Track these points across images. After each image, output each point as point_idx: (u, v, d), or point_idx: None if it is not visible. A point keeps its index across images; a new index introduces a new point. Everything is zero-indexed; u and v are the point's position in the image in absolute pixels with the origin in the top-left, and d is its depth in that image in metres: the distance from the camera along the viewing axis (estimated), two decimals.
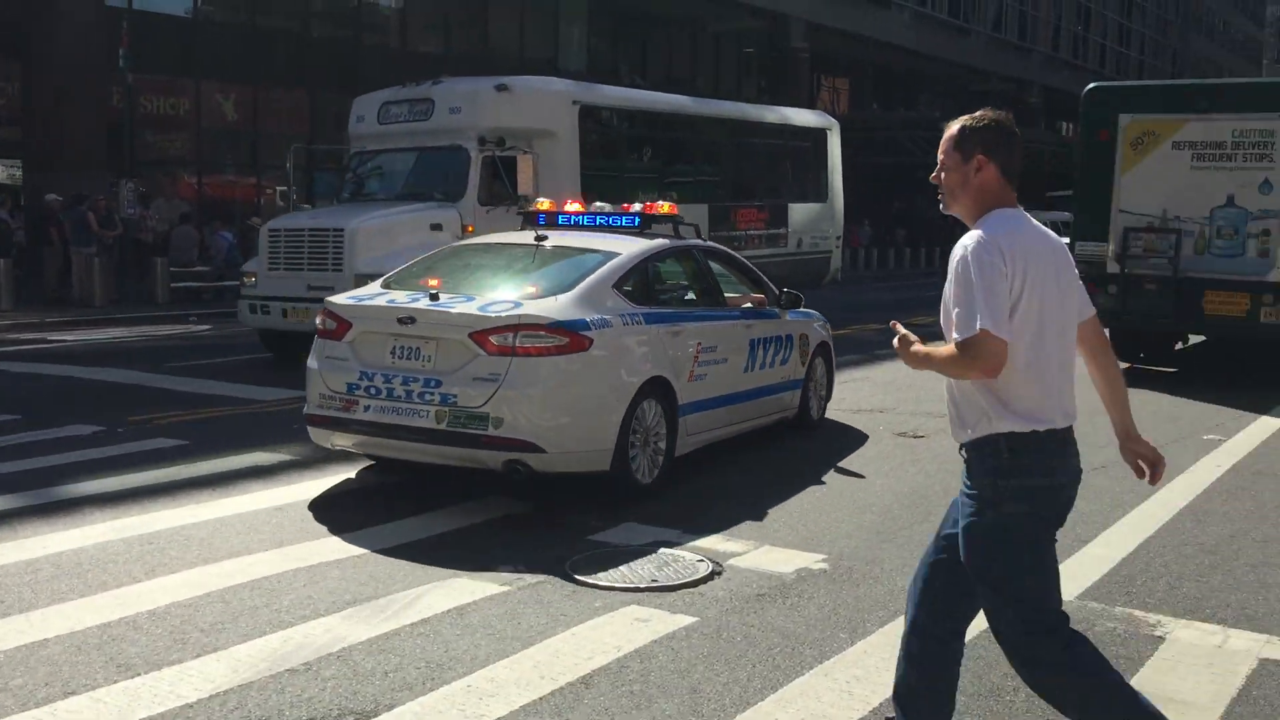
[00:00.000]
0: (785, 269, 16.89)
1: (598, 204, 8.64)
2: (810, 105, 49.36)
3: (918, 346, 3.27)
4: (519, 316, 6.36)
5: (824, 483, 7.44)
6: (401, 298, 6.79)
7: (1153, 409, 10.35)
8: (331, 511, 6.59)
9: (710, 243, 9.17)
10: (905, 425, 9.51)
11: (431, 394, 6.35)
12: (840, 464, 8.00)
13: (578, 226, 8.12)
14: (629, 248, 7.43)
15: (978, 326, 3.00)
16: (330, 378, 6.71)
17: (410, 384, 6.42)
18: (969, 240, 3.13)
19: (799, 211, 17.99)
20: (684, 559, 5.73)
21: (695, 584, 5.37)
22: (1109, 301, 12.14)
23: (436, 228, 12.20)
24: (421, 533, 6.17)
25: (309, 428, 6.98)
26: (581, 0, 38.14)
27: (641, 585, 5.31)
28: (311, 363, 6.91)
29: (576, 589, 5.25)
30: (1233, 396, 11.20)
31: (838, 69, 50.31)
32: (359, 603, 5.05)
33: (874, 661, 4.43)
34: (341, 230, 11.87)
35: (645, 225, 8.10)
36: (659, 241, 7.90)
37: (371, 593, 5.19)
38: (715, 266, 8.49)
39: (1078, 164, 13.22)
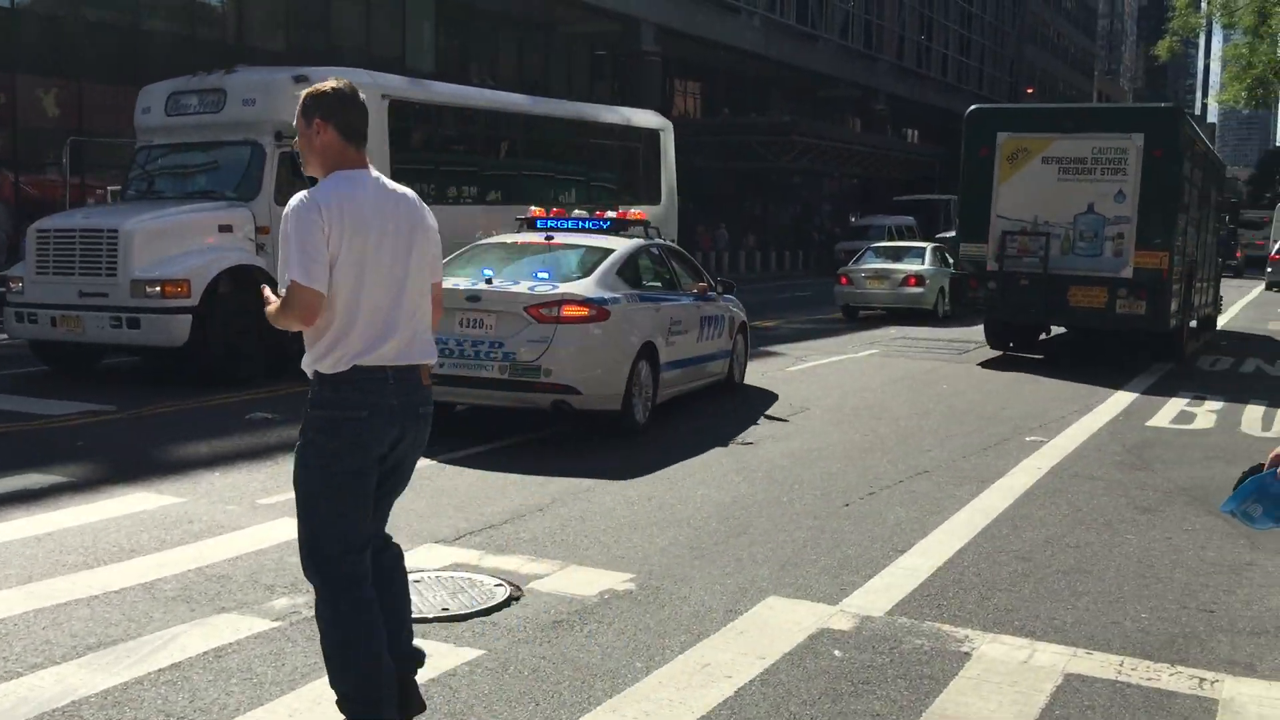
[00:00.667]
0: None
1: (578, 210, 10.99)
2: (663, 109, 49.68)
3: (270, 306, 3.48)
4: (561, 294, 8.53)
5: (643, 494, 7.14)
6: (464, 283, 8.58)
7: (1019, 390, 10.44)
8: (100, 539, 5.95)
9: (668, 242, 11.46)
10: (736, 431, 9.31)
11: (495, 352, 8.41)
12: (662, 472, 7.72)
13: (561, 229, 10.19)
14: (620, 244, 9.63)
15: (289, 279, 3.33)
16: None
17: (478, 346, 8.44)
18: (294, 200, 3.42)
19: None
20: (482, 584, 5.33)
21: (489, 612, 4.97)
22: (988, 295, 14.19)
23: (226, 229, 11.34)
24: (193, 563, 5.61)
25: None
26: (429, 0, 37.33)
27: (430, 615, 4.89)
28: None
29: None
30: (1091, 376, 11.95)
31: (690, 73, 50.62)
32: (104, 647, 4.49)
33: (668, 694, 4.12)
34: (116, 231, 10.89)
35: (616, 228, 10.33)
36: (637, 241, 10.11)
37: (121, 634, 4.63)
38: (673, 261, 10.62)
39: (962, 175, 14.82)
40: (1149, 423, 10.30)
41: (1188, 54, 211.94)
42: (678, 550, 5.95)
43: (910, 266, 21.49)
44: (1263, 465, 3.35)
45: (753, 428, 9.47)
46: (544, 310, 8.44)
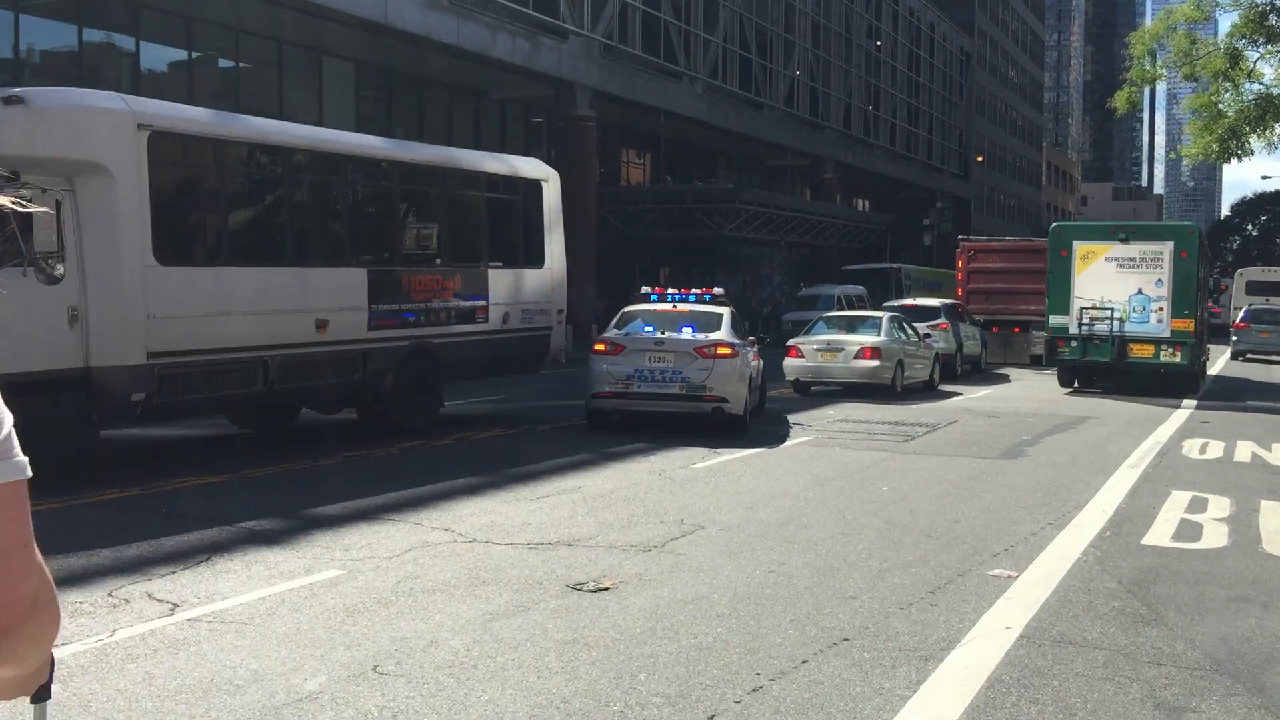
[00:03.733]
0: (484, 351, 13.73)
1: (686, 290, 15.35)
2: (606, 177, 47.72)
3: None
4: (715, 340, 13.20)
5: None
6: (647, 334, 13.44)
7: (977, 491, 8.01)
8: None
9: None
10: (593, 568, 6.77)
11: (674, 378, 12.94)
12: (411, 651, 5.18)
13: (681, 301, 14.66)
14: (725, 309, 14.34)
15: None
16: (615, 373, 12.97)
17: (664, 374, 12.95)
18: None
19: (503, 280, 14.16)
20: None
21: None
22: (1070, 351, 20.58)
23: None
24: None
25: (598, 401, 13.23)
26: (348, 63, 35.25)
27: None
28: (600, 365, 13.15)
29: None
30: (1067, 468, 9.26)
31: (632, 141, 48.87)
32: None
33: None
34: None
35: (715, 300, 14.63)
36: (729, 308, 14.54)
37: None
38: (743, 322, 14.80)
39: (1050, 270, 20.84)
40: (1145, 540, 7.92)
41: (1134, 126, 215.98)
42: None
43: (866, 338, 19.23)
44: None
45: (622, 558, 6.96)
46: (706, 350, 13.09)
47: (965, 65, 78.29)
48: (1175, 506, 9.23)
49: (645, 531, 7.70)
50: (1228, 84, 23.14)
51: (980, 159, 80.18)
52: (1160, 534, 8.15)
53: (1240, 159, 24.32)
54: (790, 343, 19.95)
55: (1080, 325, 20.11)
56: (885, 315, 20.55)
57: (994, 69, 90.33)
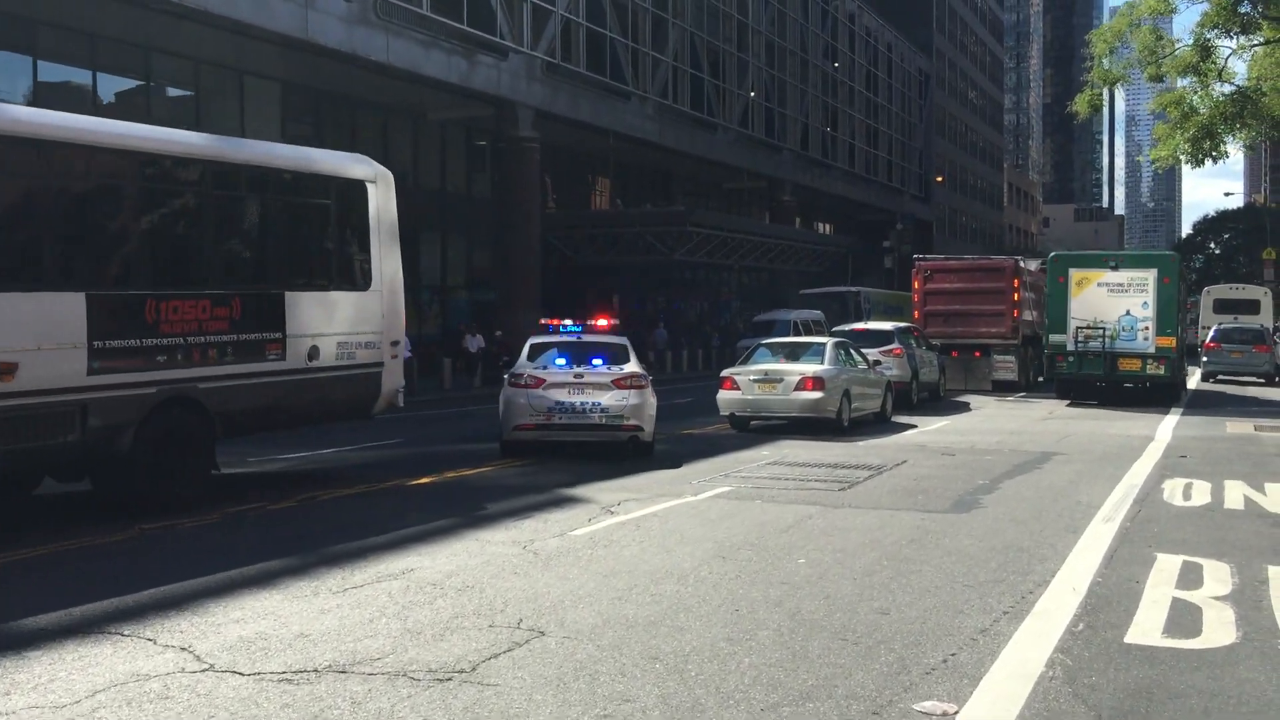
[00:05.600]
0: (280, 396, 10.80)
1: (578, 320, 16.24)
2: (544, 201, 45.77)
3: None
4: (630, 373, 13.90)
5: None
6: (562, 365, 13.96)
7: (917, 562, 6.05)
8: None
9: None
10: (352, 718, 4.75)
11: (594, 409, 13.55)
12: None
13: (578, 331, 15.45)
14: (624, 340, 15.22)
15: None
16: (536, 406, 13.48)
17: (584, 406, 13.54)
18: None
19: (308, 305, 11.21)
20: None
21: None
22: (1068, 366, 23.25)
23: None
24: None
25: (518, 434, 13.66)
26: (271, 83, 33.26)
27: None
28: (519, 398, 13.60)
29: None
30: (1032, 524, 7.24)
31: (581, 163, 47.06)
32: None
33: None
34: None
35: (614, 330, 16.59)
36: (624, 338, 15.64)
37: None
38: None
39: (1049, 294, 23.79)
40: (1130, 637, 6.00)
41: (1094, 149, 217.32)
42: None
43: (808, 367, 17.33)
44: None
45: (404, 695, 4.96)
46: (621, 382, 13.75)
47: (924, 86, 77.27)
48: (1163, 579, 7.34)
49: (460, 644, 5.70)
50: (1199, 80, 21.49)
51: (940, 179, 79.02)
52: (1148, 625, 6.24)
53: (1215, 160, 22.63)
54: (725, 373, 18.03)
55: (1076, 343, 22.89)
56: (830, 342, 18.64)
57: (954, 90, 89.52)
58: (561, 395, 13.51)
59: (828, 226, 69.79)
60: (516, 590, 6.89)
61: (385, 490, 11.38)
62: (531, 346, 14.70)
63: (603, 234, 43.04)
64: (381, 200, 12.37)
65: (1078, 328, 22.83)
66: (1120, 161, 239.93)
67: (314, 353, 11.22)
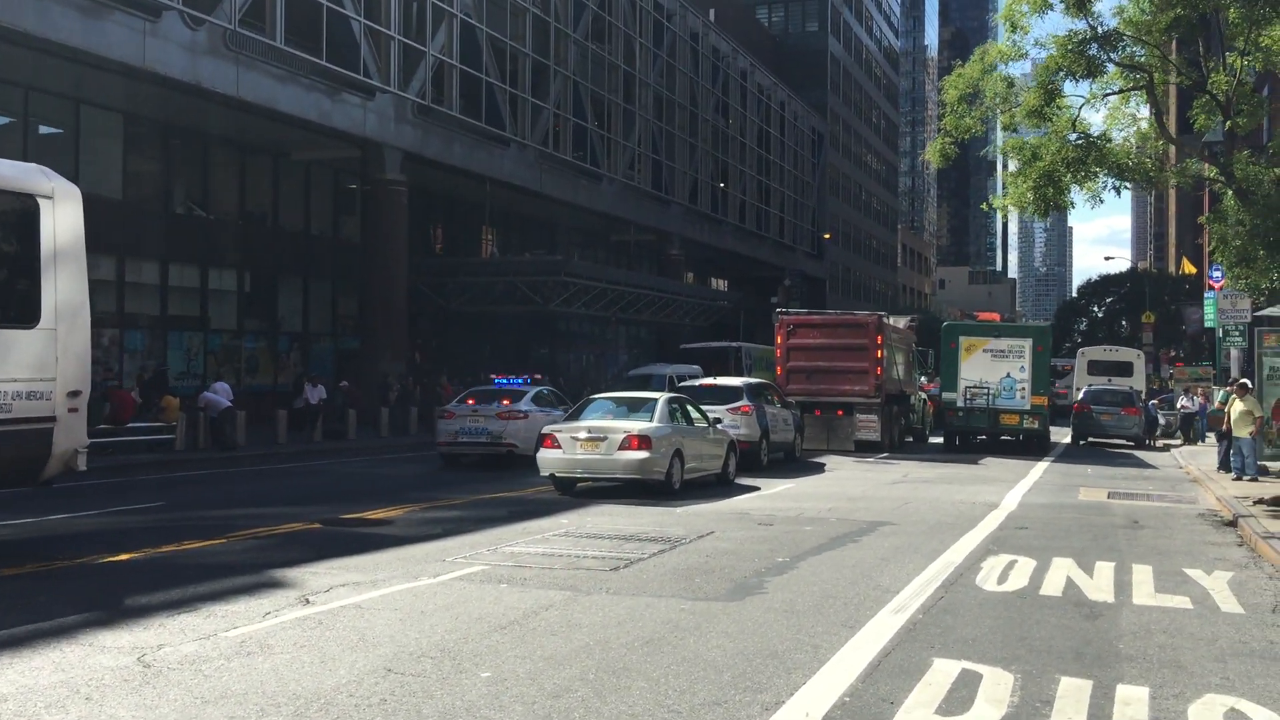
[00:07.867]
0: None
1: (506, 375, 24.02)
2: (431, 247, 44.00)
3: None
4: (513, 409, 21.25)
5: None
6: (470, 406, 21.72)
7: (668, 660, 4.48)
8: None
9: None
10: None
11: (482, 433, 20.92)
12: None
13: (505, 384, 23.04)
14: (530, 389, 22.55)
15: None
16: (448, 431, 21.25)
17: (476, 431, 20.98)
18: None
19: None
20: None
21: None
22: (957, 420, 27.47)
23: None
24: None
25: (442, 449, 21.63)
26: (112, 114, 31.11)
27: None
28: (440, 425, 21.60)
29: None
30: (814, 610, 5.66)
31: (456, 209, 45.45)
32: None
33: None
34: None
35: (530, 382, 23.87)
36: (539, 388, 23.22)
37: None
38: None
39: (942, 358, 28.20)
40: None
41: (989, 215, 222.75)
42: None
43: (635, 424, 15.86)
44: None
45: None
46: (504, 413, 20.94)
47: (818, 145, 77.55)
48: (926, 698, 5.94)
49: None
50: (1045, 124, 20.78)
51: (828, 236, 79.11)
52: None
53: (1061, 209, 21.89)
54: (545, 430, 16.50)
55: (965, 400, 26.94)
56: (663, 398, 17.20)
57: (848, 151, 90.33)
58: (464, 423, 21.21)
59: (723, 282, 69.14)
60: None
61: (57, 570, 9.38)
62: (467, 392, 23.94)
63: (477, 283, 41.37)
64: (63, 220, 10.34)
65: (966, 387, 26.86)
66: (1014, 227, 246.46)
67: None
